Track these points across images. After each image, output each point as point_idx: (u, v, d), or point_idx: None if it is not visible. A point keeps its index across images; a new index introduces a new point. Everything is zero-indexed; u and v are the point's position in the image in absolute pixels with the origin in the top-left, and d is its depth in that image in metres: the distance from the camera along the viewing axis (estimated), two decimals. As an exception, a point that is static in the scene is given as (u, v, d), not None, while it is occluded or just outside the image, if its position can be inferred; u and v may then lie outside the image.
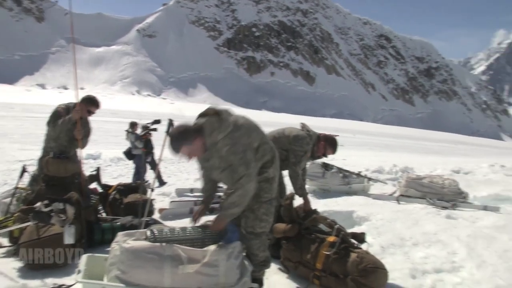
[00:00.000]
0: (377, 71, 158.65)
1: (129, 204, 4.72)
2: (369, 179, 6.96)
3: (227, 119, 2.58)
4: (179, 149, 2.55)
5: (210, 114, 2.62)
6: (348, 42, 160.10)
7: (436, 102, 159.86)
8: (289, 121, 42.71)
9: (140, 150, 7.26)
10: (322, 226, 3.45)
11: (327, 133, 4.33)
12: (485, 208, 5.99)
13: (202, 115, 2.67)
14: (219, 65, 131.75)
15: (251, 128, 2.69)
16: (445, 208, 5.84)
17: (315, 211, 3.73)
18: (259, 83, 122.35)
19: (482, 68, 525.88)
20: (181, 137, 2.53)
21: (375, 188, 7.26)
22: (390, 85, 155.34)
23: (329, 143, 4.15)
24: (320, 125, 43.67)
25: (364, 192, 6.68)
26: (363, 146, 28.19)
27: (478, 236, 4.47)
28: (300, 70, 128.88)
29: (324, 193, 6.51)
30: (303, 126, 4.19)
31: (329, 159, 5.59)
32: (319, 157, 4.31)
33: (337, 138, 4.25)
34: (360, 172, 7.22)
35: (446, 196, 6.23)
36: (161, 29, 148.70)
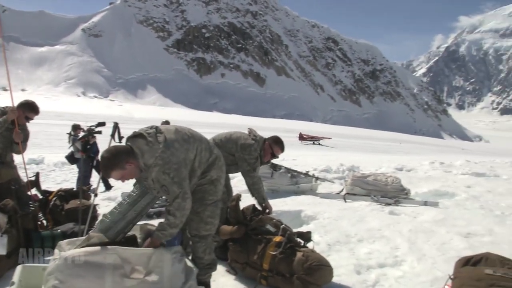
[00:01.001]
0: (326, 73, 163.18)
1: (70, 210, 4.50)
2: (317, 178, 7.11)
3: (156, 140, 2.49)
4: (110, 174, 2.48)
5: (139, 136, 2.54)
6: (297, 44, 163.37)
7: (381, 103, 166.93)
8: (240, 122, 42.98)
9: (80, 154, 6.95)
10: (269, 226, 3.49)
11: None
12: (425, 203, 6.28)
13: (131, 137, 2.58)
14: (169, 66, 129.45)
15: (185, 141, 2.62)
16: (388, 204, 6.08)
17: (262, 212, 3.75)
18: (210, 85, 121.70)
19: (423, 70, 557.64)
20: (112, 162, 2.44)
21: (323, 187, 7.41)
22: (338, 87, 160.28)
23: (276, 143, 4.12)
24: (270, 125, 44.34)
25: (312, 192, 6.80)
26: (313, 146, 28.84)
27: (419, 231, 4.70)
28: (250, 71, 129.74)
29: (273, 193, 6.56)
30: (250, 131, 4.16)
31: (278, 160, 5.65)
32: (267, 162, 4.30)
33: (281, 139, 4.24)
34: (308, 172, 7.35)
35: (390, 193, 6.48)
36: (107, 28, 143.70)
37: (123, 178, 2.53)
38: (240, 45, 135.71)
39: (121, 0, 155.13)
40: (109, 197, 6.64)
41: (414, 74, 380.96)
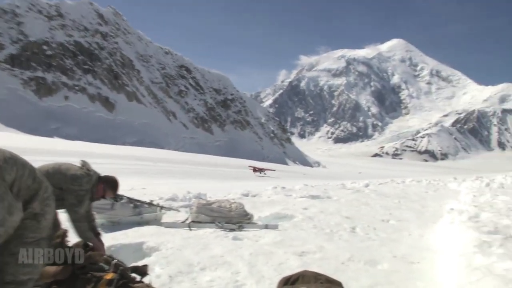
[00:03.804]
0: (178, 100, 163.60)
1: None
2: (162, 207, 6.93)
3: None
4: None
5: None
6: (149, 70, 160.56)
7: (232, 131, 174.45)
8: (85, 150, 39.83)
9: None
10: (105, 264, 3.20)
11: (108, 174, 4.12)
12: (266, 226, 6.65)
13: None
14: (0, 84, 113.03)
15: (3, 160, 2.22)
16: (232, 230, 6.25)
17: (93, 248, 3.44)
18: (51, 107, 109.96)
19: (269, 101, 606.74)
20: None
21: (168, 216, 7.25)
22: (190, 114, 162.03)
23: (109, 185, 3.94)
24: (120, 153, 42.16)
25: (156, 222, 6.58)
26: (164, 174, 28.33)
27: (259, 253, 4.92)
28: (98, 95, 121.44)
29: (114, 226, 6.14)
30: (84, 164, 3.88)
31: (121, 190, 5.32)
32: (97, 199, 4.04)
33: (117, 180, 4.07)
34: (152, 201, 7.12)
35: (234, 218, 6.69)
36: None
37: None
38: (87, 67, 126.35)
39: None
40: None
41: (261, 104, 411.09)
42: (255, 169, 42.56)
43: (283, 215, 8.45)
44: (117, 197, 6.21)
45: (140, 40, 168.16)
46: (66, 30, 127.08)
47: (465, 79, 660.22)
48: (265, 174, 41.78)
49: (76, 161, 4.02)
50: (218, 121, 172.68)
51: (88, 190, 3.73)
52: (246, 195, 11.73)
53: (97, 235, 3.92)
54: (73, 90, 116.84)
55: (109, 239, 5.21)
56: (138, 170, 27.13)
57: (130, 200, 6.47)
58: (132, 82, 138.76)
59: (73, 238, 3.51)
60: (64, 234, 3.18)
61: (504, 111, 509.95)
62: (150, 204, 6.80)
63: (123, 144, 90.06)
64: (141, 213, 6.48)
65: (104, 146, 53.87)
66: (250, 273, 4.20)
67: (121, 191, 9.01)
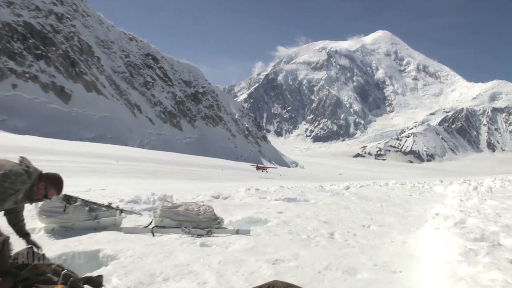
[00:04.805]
0: (144, 92, 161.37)
1: None
2: (122, 210, 6.79)
3: None
4: None
5: None
6: (111, 58, 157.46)
7: (203, 127, 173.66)
8: (36, 145, 38.93)
9: None
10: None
11: (50, 171, 4.01)
12: (237, 232, 6.63)
13: None
14: None
15: None
16: (200, 236, 6.20)
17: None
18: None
19: (244, 96, 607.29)
20: None
21: (129, 221, 7.13)
22: (157, 108, 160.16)
23: (51, 183, 3.85)
24: (76, 149, 41.29)
25: (115, 226, 6.45)
26: (127, 173, 27.94)
27: (229, 261, 4.89)
28: (52, 84, 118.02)
29: (66, 232, 5.97)
30: (23, 160, 3.80)
31: (77, 192, 5.19)
32: (39, 200, 3.96)
33: (60, 177, 3.99)
34: (111, 203, 6.97)
35: (202, 223, 6.64)
36: None
37: None
38: (39, 52, 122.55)
39: None
40: None
41: (235, 99, 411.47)
42: (258, 167, 48.02)
43: (256, 220, 8.46)
44: (70, 199, 6.05)
45: (101, 24, 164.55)
46: (13, 8, 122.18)
47: (453, 75, 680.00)
48: (267, 172, 46.00)
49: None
50: (187, 116, 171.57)
51: (20, 190, 3.63)
52: (217, 197, 11.70)
53: (25, 236, 4.02)
54: (22, 77, 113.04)
55: (60, 247, 5.08)
56: (97, 169, 26.70)
57: (86, 202, 6.30)
58: (91, 70, 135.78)
59: (18, 246, 3.41)
60: (5, 241, 3.06)
61: (495, 110, 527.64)
62: (109, 207, 6.65)
63: (80, 139, 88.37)
64: (98, 217, 6.33)
65: (58, 142, 52.76)
66: (218, 283, 4.18)
67: (77, 192, 8.83)
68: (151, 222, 6.71)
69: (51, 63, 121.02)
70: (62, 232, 5.95)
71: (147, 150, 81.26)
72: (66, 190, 8.12)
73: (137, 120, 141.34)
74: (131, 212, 7.51)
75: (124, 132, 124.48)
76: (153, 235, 6.09)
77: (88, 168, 25.83)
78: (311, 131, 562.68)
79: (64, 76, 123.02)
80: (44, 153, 30.21)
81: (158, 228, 6.33)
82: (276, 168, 50.11)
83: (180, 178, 28.95)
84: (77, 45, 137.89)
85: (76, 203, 6.12)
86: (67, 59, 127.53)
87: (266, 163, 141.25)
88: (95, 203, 6.45)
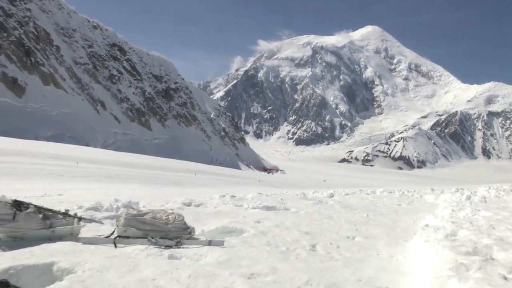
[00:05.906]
0: (109, 87, 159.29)
1: None
2: (80, 218, 6.68)
3: None
4: None
5: None
6: (72, 47, 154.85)
7: (175, 127, 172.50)
8: (-17, 145, 37.92)
9: None
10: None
11: None
12: (210, 243, 6.59)
13: None
14: None
15: None
16: (169, 247, 6.15)
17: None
18: None
19: (221, 93, 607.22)
20: None
21: (88, 230, 7.03)
22: (124, 105, 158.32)
23: None
24: (30, 150, 40.57)
25: (73, 236, 6.33)
26: (88, 177, 27.66)
27: (200, 276, 4.87)
28: (3, 75, 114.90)
29: (15, 242, 5.83)
30: None
31: (29, 197, 5.06)
32: None
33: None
34: (68, 210, 6.86)
35: (171, 233, 6.58)
36: None
37: None
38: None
39: None
40: None
41: (211, 96, 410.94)
42: (265, 169, 52.74)
43: (231, 229, 8.45)
44: (21, 205, 5.91)
45: (61, 9, 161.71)
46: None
47: (447, 76, 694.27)
48: (272, 174, 49.94)
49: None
50: (158, 114, 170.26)
51: None
52: (188, 204, 11.66)
53: None
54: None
55: (8, 259, 4.94)
56: (54, 171, 26.37)
57: (39, 209, 6.16)
58: (49, 61, 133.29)
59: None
60: None
61: (490, 114, 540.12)
62: (66, 214, 6.53)
63: (36, 138, 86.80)
64: (53, 225, 6.19)
65: (10, 141, 51.83)
66: (187, 301, 4.16)
67: (30, 197, 8.66)
68: (113, 231, 6.61)
69: (1, 51, 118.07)
70: (10, 243, 5.81)
71: (111, 152, 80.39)
72: (18, 195, 7.97)
73: (100, 118, 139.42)
74: (91, 220, 7.40)
75: (85, 131, 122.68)
76: (115, 246, 6.01)
77: (44, 171, 25.48)
78: (294, 134, 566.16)
79: (17, 66, 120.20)
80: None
81: (121, 239, 6.25)
82: (282, 170, 50.68)
83: (148, 183, 28.76)
84: (33, 31, 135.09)
85: (28, 210, 5.97)
86: (21, 47, 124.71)
87: (244, 167, 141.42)
88: (50, 210, 6.32)
